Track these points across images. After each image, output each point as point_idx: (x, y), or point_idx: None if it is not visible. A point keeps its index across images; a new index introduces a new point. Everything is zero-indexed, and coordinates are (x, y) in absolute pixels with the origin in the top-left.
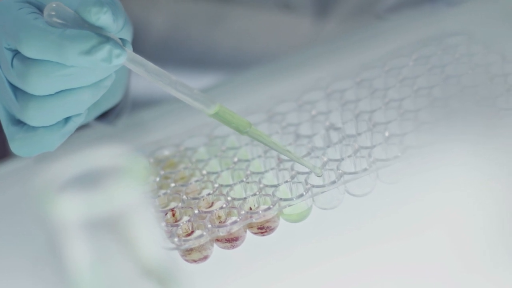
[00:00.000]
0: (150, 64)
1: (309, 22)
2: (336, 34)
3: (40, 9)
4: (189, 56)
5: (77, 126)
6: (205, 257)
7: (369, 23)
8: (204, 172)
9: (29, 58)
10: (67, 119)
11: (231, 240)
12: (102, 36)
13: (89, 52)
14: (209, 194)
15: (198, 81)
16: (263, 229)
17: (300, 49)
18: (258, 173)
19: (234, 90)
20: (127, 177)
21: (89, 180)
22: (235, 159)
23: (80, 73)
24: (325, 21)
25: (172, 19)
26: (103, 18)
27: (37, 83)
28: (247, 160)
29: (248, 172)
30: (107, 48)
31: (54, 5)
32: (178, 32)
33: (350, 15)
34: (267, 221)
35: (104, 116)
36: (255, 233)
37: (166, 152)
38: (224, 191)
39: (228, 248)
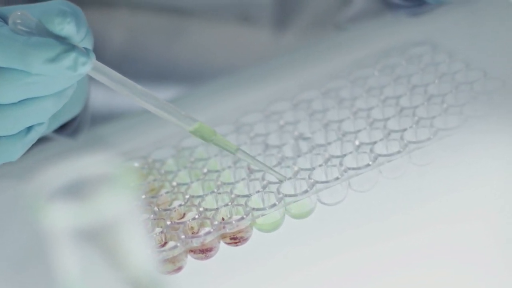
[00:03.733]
0: (114, 73)
1: (268, 34)
2: (297, 45)
3: (4, 19)
4: (148, 70)
5: (39, 136)
6: (179, 269)
7: (330, 34)
8: (174, 183)
9: None
10: (29, 128)
11: (205, 251)
12: (67, 44)
13: (54, 60)
14: (180, 205)
15: (158, 94)
16: (236, 239)
17: (260, 60)
18: (229, 183)
19: (196, 102)
20: (116, 185)
21: (78, 189)
22: (205, 170)
23: (44, 82)
24: (285, 33)
25: (130, 32)
26: (67, 28)
27: (1, 91)
28: (217, 171)
29: (219, 183)
30: (72, 56)
31: (19, 13)
32: (136, 45)
33: (310, 26)
34: (240, 231)
35: (63, 129)
36: (229, 243)
37: (136, 164)
38: (196, 202)
39: (202, 259)
